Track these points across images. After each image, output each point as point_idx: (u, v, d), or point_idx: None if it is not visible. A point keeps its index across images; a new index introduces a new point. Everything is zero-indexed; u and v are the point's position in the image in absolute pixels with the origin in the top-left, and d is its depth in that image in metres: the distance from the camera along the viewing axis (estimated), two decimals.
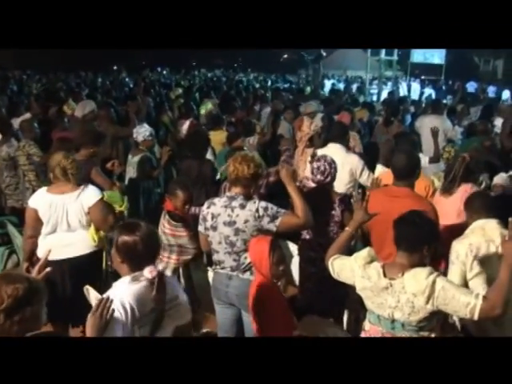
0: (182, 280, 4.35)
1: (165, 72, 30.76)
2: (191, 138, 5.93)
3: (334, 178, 4.19)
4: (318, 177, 4.10)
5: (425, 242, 2.67)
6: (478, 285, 3.29)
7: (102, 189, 4.38)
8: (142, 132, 6.01)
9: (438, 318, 2.69)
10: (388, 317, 2.68)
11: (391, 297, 2.64)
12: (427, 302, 2.54)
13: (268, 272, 3.00)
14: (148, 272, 2.50)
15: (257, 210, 3.29)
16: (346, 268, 2.94)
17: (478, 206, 3.41)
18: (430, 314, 2.60)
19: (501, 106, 9.56)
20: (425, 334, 2.67)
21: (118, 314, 2.36)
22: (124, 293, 2.48)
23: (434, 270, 2.63)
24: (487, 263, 3.23)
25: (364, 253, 2.91)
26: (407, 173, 3.79)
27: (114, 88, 15.81)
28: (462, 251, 3.30)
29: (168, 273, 4.29)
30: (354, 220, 3.20)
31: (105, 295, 2.39)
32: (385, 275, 2.70)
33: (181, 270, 4.31)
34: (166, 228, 4.24)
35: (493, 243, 3.22)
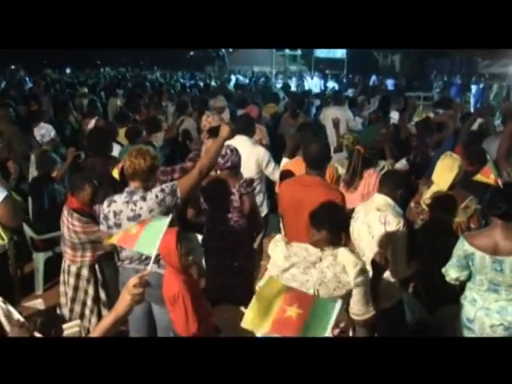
0: (100, 276, 4.31)
1: (68, 71, 29.65)
2: (92, 135, 5.78)
3: (234, 165, 4.18)
4: (219, 159, 4.08)
5: (343, 224, 2.92)
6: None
7: None
8: (47, 133, 5.87)
9: None
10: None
11: (318, 272, 2.72)
12: (355, 279, 2.67)
13: (178, 263, 3.00)
14: None
15: (156, 196, 3.32)
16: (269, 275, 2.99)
17: (383, 181, 3.66)
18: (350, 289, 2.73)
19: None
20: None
21: None
22: None
23: None
24: (359, 227, 3.56)
25: (279, 237, 3.02)
26: (319, 162, 3.91)
27: (12, 88, 15.15)
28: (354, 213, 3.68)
29: (85, 272, 4.24)
30: None
31: None
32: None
33: (97, 267, 4.28)
34: (76, 226, 4.15)
35: (375, 211, 3.49)
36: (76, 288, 4.26)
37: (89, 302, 4.27)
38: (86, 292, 4.27)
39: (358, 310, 2.75)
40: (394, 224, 3.37)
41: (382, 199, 3.52)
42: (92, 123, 7.61)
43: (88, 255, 4.22)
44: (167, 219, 2.34)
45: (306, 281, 2.75)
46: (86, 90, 13.50)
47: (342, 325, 2.77)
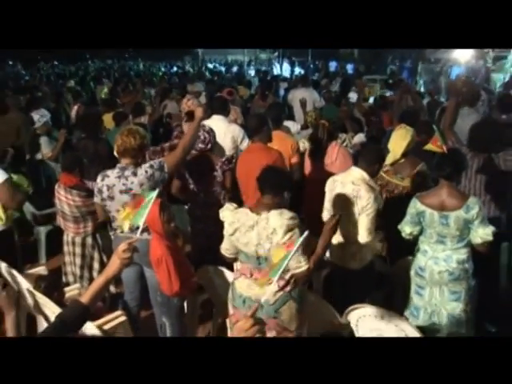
0: (101, 241, 4.38)
1: (60, 65, 29.05)
2: (82, 119, 5.73)
3: (213, 145, 4.18)
4: (200, 145, 4.05)
5: (286, 186, 2.82)
6: (326, 210, 3.68)
7: None
8: (44, 114, 6.00)
9: None
10: (254, 254, 2.75)
11: (255, 234, 2.71)
12: (283, 237, 2.61)
13: (161, 230, 2.99)
14: None
15: (146, 172, 3.29)
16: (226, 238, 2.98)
17: (362, 156, 3.57)
18: None
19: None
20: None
21: None
22: None
23: (300, 223, 2.70)
24: (336, 198, 3.52)
25: (227, 205, 3.00)
26: (256, 129, 4.10)
27: (11, 80, 15.01)
28: (328, 182, 3.63)
29: (89, 240, 4.33)
30: None
31: None
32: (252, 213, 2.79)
33: (97, 234, 4.35)
34: (77, 202, 4.17)
35: (350, 184, 3.41)
36: (83, 256, 4.34)
37: (96, 265, 4.36)
38: (92, 257, 4.35)
39: (290, 264, 2.67)
40: (365, 199, 3.30)
41: (358, 173, 3.43)
42: (74, 109, 7.68)
43: (90, 225, 4.28)
44: (155, 193, 2.32)
45: (246, 243, 2.76)
46: (72, 83, 13.41)
47: (287, 276, 2.75)
